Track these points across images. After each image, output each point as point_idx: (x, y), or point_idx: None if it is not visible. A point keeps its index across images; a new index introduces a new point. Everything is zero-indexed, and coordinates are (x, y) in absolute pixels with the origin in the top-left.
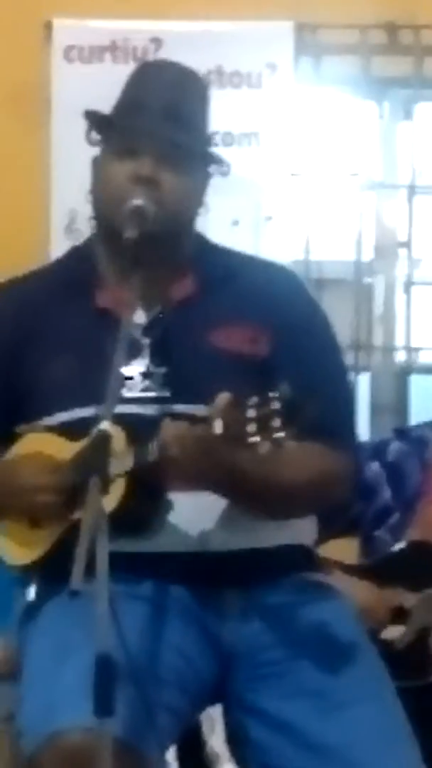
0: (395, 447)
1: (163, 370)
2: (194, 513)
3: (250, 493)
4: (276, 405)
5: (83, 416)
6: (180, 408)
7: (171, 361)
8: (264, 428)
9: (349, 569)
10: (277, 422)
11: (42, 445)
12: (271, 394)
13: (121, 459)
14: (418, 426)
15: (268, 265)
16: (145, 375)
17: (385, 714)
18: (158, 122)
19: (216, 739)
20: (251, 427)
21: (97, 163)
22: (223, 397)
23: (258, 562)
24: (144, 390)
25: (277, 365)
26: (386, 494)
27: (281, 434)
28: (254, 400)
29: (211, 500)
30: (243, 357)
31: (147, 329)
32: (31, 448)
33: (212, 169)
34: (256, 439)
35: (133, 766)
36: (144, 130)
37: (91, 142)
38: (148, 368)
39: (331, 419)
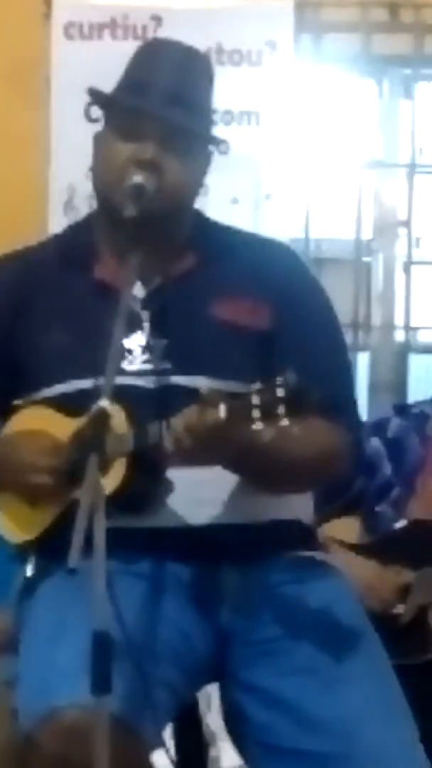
0: (395, 423)
1: (163, 342)
2: (192, 489)
3: (253, 469)
4: (281, 392)
5: (82, 388)
6: (180, 380)
7: (171, 333)
8: (268, 415)
9: (351, 548)
10: (281, 409)
11: (40, 421)
12: (276, 381)
13: (121, 440)
14: (417, 403)
15: (268, 242)
16: (145, 348)
17: (383, 691)
18: (163, 105)
19: (212, 717)
20: (255, 414)
21: (98, 140)
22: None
23: (254, 537)
24: (144, 363)
25: (277, 340)
26: (387, 470)
27: (285, 422)
28: (258, 386)
29: (208, 476)
30: (243, 329)
31: (146, 302)
32: (29, 424)
33: (212, 149)
34: (260, 425)
35: (129, 743)
36: (148, 112)
37: (91, 119)
38: (147, 341)
39: (333, 395)
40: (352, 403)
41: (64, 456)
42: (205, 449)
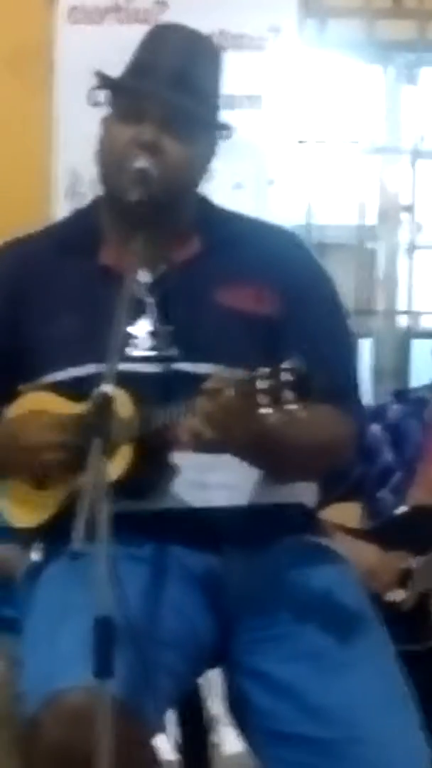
0: (395, 409)
1: (169, 328)
2: (196, 473)
3: (261, 456)
4: (287, 377)
5: (86, 374)
6: (186, 366)
7: (177, 319)
8: (275, 400)
9: (353, 533)
10: (288, 394)
11: (44, 404)
12: (282, 365)
13: (127, 424)
14: (417, 388)
15: (273, 228)
16: (152, 334)
17: (386, 677)
18: (164, 87)
19: (214, 702)
20: (262, 399)
21: (103, 125)
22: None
23: (258, 521)
24: (150, 349)
25: (283, 326)
26: (388, 455)
27: (292, 406)
28: (264, 371)
29: (212, 460)
30: (249, 315)
31: (152, 288)
32: (33, 406)
33: (218, 135)
34: (267, 410)
35: (132, 726)
36: (149, 94)
37: (94, 103)
38: (154, 327)
39: (338, 382)
40: (357, 390)
41: (70, 431)
42: (219, 434)
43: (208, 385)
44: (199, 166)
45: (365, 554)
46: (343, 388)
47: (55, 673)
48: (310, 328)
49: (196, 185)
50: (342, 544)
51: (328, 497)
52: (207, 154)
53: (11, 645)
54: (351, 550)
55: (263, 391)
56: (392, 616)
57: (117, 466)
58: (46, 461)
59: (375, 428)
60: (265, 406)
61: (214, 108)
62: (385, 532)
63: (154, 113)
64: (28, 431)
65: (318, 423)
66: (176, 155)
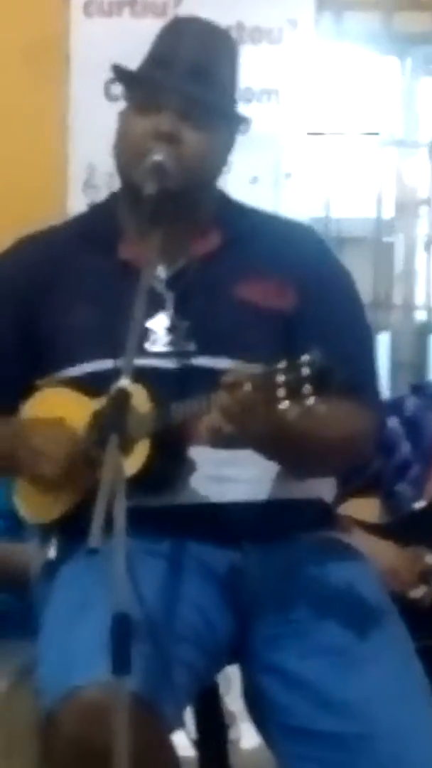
0: (412, 402)
1: (187, 323)
2: (213, 467)
3: (281, 451)
4: (306, 371)
5: (103, 368)
6: (203, 361)
7: (195, 314)
8: (294, 394)
9: (370, 529)
10: (307, 388)
11: (60, 403)
12: (301, 359)
13: (144, 420)
14: None
15: (292, 224)
16: (169, 329)
17: (405, 672)
18: (182, 78)
19: (232, 698)
20: (281, 393)
21: (121, 117)
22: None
23: (276, 516)
24: (168, 344)
25: (302, 322)
26: (405, 449)
27: (311, 400)
28: (283, 365)
29: (230, 454)
30: (268, 310)
31: (170, 282)
32: (49, 406)
33: (236, 127)
34: (286, 404)
35: (149, 722)
36: (167, 85)
37: (110, 97)
38: (172, 322)
39: (357, 377)
40: (376, 384)
41: (77, 446)
42: (237, 429)
43: (227, 379)
44: (217, 158)
45: (384, 553)
46: (362, 382)
47: (73, 669)
48: (328, 323)
49: (214, 177)
50: (361, 543)
51: (346, 492)
52: (225, 146)
53: (24, 650)
54: (370, 549)
55: (282, 386)
56: (411, 612)
57: (134, 461)
58: (45, 473)
59: (392, 422)
60: (284, 400)
61: (232, 99)
62: (404, 527)
63: (172, 104)
64: (34, 440)
65: (337, 417)
66: (195, 145)
